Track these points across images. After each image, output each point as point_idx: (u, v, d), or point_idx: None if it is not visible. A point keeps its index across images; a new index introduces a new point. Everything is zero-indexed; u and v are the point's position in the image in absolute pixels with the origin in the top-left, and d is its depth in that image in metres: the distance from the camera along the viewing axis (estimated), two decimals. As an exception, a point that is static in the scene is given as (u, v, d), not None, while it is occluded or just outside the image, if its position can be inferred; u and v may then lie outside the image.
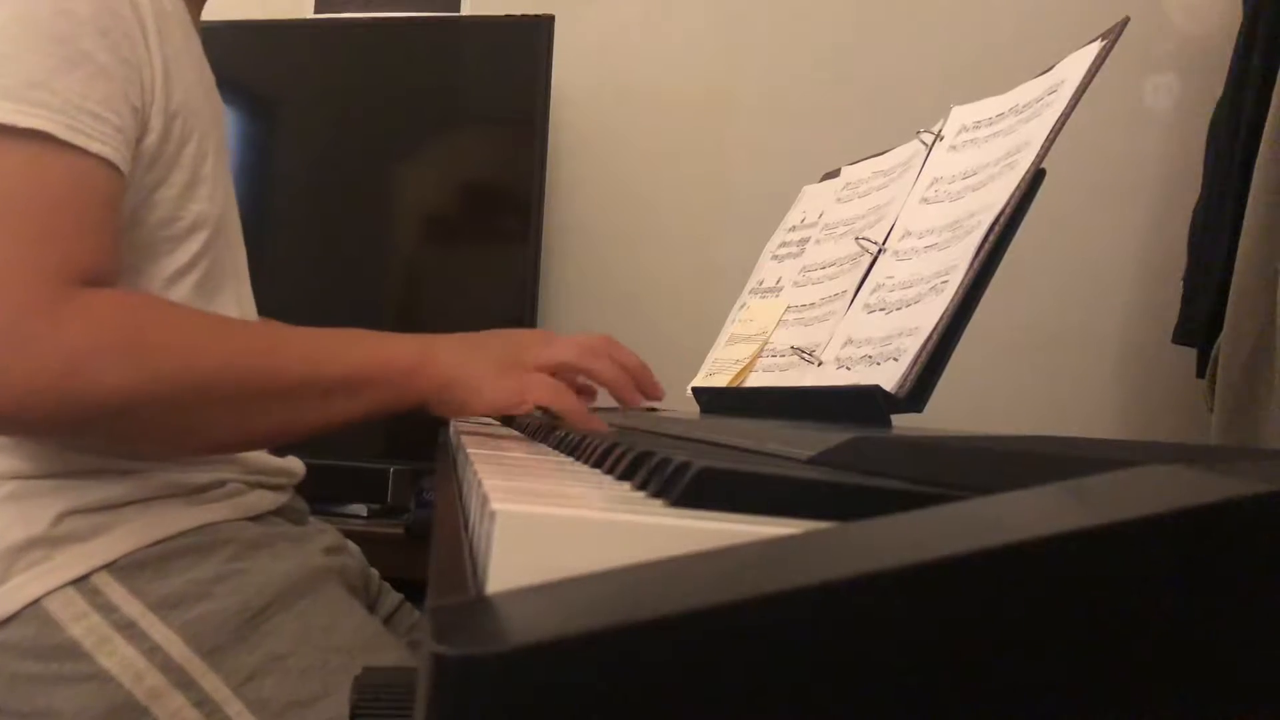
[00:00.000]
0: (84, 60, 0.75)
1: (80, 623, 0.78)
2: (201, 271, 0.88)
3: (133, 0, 0.79)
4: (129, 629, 0.79)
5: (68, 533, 0.80)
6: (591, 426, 0.75)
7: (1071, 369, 1.67)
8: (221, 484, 0.88)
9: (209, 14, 0.98)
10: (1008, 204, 0.72)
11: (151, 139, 0.82)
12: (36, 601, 0.78)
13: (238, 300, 0.94)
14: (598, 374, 0.82)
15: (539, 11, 1.62)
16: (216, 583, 0.82)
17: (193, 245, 0.87)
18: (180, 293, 0.86)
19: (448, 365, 0.80)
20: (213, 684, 0.79)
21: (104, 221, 0.76)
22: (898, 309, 0.77)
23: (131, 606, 0.80)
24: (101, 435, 0.80)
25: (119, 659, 0.78)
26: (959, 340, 0.71)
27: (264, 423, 0.79)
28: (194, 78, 0.88)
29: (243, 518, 0.88)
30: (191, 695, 0.79)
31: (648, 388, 0.84)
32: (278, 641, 0.82)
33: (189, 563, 0.82)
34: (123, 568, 0.80)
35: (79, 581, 0.79)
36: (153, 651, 0.79)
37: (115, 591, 0.80)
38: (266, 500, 0.92)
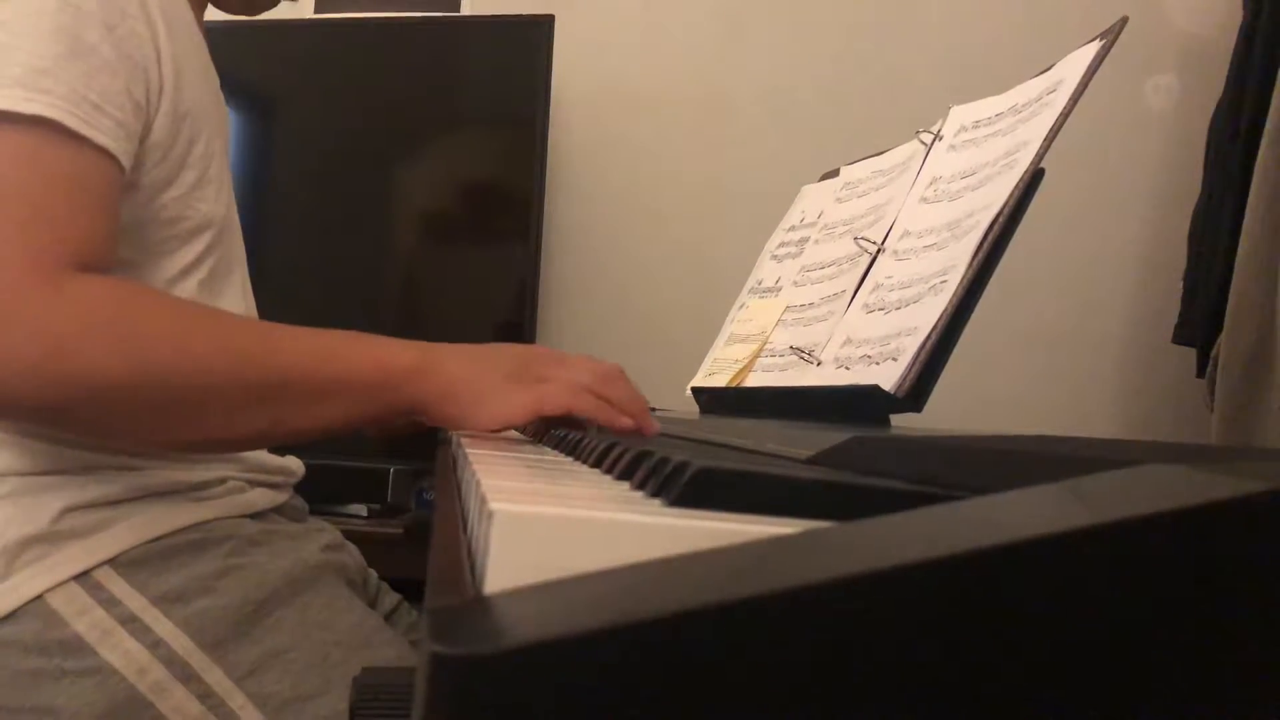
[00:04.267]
0: (88, 53, 0.75)
1: (83, 617, 0.78)
2: (206, 270, 0.88)
3: (142, 0, 0.79)
4: (132, 623, 0.79)
5: (68, 529, 0.80)
6: (625, 426, 0.71)
7: (1071, 369, 1.67)
8: (221, 481, 0.88)
9: (209, 13, 0.98)
10: (1006, 204, 0.72)
11: (160, 137, 0.81)
12: (39, 597, 0.78)
13: (241, 298, 0.94)
14: (614, 403, 0.75)
15: (539, 11, 1.62)
16: (217, 578, 0.82)
17: (198, 244, 0.87)
18: (185, 291, 0.86)
19: (451, 372, 0.75)
20: (216, 677, 0.80)
21: (100, 210, 0.75)
22: (897, 309, 0.77)
23: (134, 601, 0.80)
24: (84, 421, 0.76)
25: (122, 653, 0.78)
26: (958, 340, 0.71)
27: (253, 421, 0.75)
28: (201, 78, 0.88)
29: (242, 515, 0.89)
30: (195, 689, 0.79)
31: (645, 425, 0.77)
32: (279, 636, 0.83)
33: (189, 558, 0.82)
34: (124, 563, 0.80)
35: (81, 577, 0.79)
36: (156, 645, 0.79)
37: (117, 586, 0.80)
38: (265, 498, 0.92)
